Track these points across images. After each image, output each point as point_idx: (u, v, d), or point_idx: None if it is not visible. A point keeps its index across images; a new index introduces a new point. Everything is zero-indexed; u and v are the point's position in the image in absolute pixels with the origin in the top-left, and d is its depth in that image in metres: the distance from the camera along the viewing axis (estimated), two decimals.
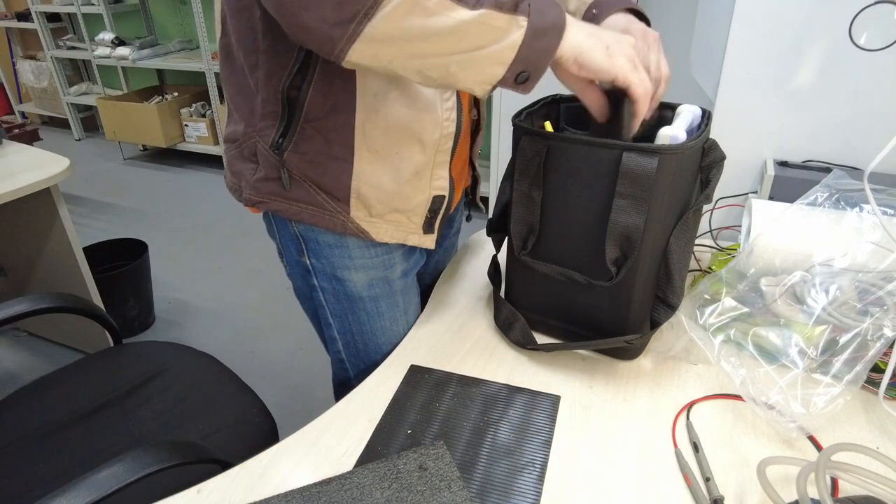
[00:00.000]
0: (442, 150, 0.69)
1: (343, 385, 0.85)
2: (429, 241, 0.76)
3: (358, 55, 0.51)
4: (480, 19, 0.49)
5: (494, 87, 0.55)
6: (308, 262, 0.74)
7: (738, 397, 0.65)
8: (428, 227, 0.75)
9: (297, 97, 0.62)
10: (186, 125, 3.39)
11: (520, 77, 0.54)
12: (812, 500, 0.48)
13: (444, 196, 0.73)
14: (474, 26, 0.49)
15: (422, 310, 0.83)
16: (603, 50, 0.55)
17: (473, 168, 0.87)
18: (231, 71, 0.67)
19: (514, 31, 0.51)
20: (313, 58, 0.60)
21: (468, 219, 0.95)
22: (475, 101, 0.80)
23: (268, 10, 0.52)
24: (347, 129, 0.64)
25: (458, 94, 0.68)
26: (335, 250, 0.72)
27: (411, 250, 0.79)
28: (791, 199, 0.78)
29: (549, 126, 0.71)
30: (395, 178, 0.68)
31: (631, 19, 0.67)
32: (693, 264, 0.87)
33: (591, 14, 0.69)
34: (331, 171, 0.67)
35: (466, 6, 0.49)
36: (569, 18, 0.54)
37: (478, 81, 0.54)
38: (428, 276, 0.94)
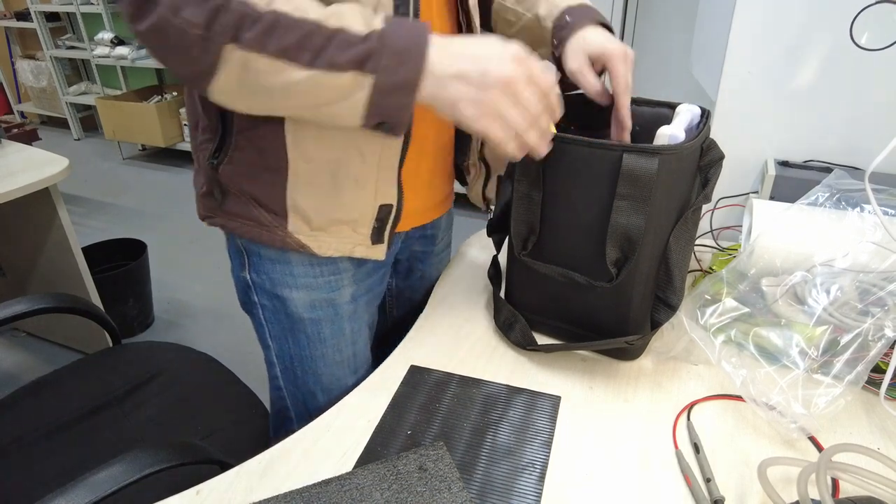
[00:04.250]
0: (387, 164, 0.65)
1: (281, 414, 0.81)
2: (377, 252, 0.70)
3: (221, 102, 0.54)
4: (315, 80, 0.49)
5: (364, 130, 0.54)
6: (249, 277, 0.71)
7: (738, 398, 0.64)
8: (376, 237, 0.69)
9: (230, 112, 0.61)
10: (186, 125, 3.39)
11: (382, 128, 0.53)
12: (813, 500, 0.47)
13: (391, 205, 0.68)
14: (310, 86, 0.49)
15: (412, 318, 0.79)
16: (469, 104, 0.51)
17: (487, 166, 0.84)
18: (188, 90, 0.68)
19: (356, 91, 0.50)
20: None
21: (487, 209, 0.90)
22: None
23: None
24: (277, 138, 0.61)
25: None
26: (276, 266, 0.69)
27: (364, 272, 0.74)
28: (792, 199, 0.78)
29: (551, 125, 0.71)
30: (334, 187, 0.64)
31: (608, 37, 0.66)
32: (694, 264, 0.87)
33: (564, 20, 0.69)
34: (265, 184, 0.64)
35: (300, 65, 0.48)
36: (431, 65, 0.50)
37: (345, 126, 0.54)
38: (417, 292, 0.91)
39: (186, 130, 3.40)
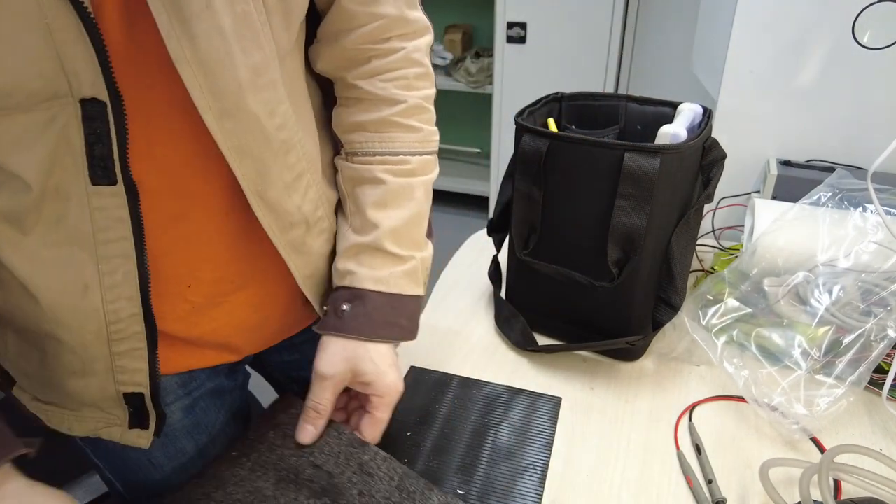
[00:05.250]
0: (120, 338, 0.46)
1: None
2: (140, 440, 0.52)
3: None
4: None
5: None
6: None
7: (740, 399, 0.64)
8: (137, 421, 0.51)
9: None
10: None
11: None
12: (815, 502, 0.47)
13: (141, 394, 0.49)
14: None
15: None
16: None
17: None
18: None
19: None
20: None
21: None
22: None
23: None
24: None
25: (143, 246, 0.44)
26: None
27: (196, 383, 0.58)
28: (794, 199, 0.77)
29: (552, 124, 0.71)
30: (50, 375, 0.48)
31: (386, 367, 0.53)
32: (695, 264, 0.87)
33: (340, 307, 0.53)
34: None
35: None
36: None
37: None
38: (301, 367, 0.67)
39: None
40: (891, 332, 0.59)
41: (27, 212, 0.40)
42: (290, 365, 0.70)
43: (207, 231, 0.49)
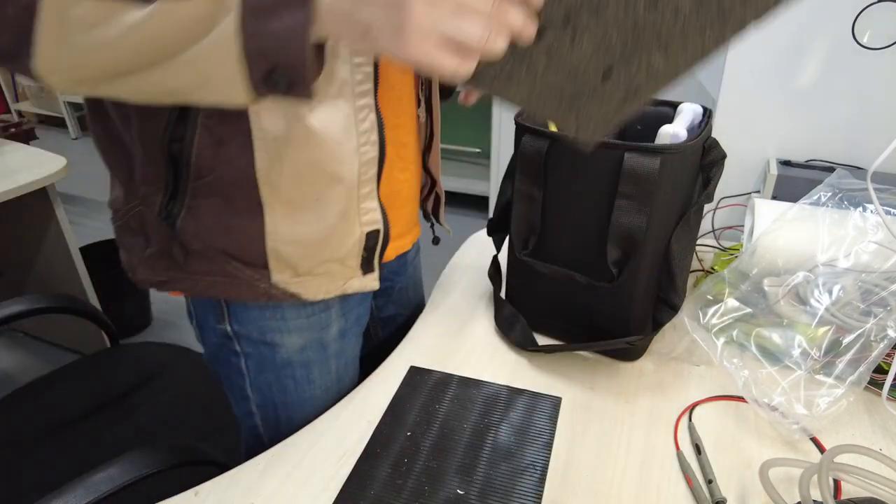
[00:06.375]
0: (365, 179, 0.57)
1: (255, 452, 0.71)
2: (371, 282, 0.64)
3: (57, 86, 0.42)
4: (160, 15, 0.37)
5: (260, 97, 0.41)
6: (229, 328, 0.62)
7: (740, 399, 0.64)
8: (367, 267, 0.63)
9: (181, 151, 0.51)
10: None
11: (274, 80, 0.39)
12: (815, 502, 0.47)
13: (378, 230, 0.61)
14: (155, 28, 0.37)
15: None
16: (386, 29, 0.37)
17: (433, 181, 0.76)
18: (103, 126, 0.55)
19: (219, 16, 0.37)
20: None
21: (435, 241, 0.83)
22: (423, 100, 0.68)
23: None
24: (248, 182, 0.52)
25: (377, 104, 0.55)
26: (265, 311, 0.61)
27: (351, 304, 0.68)
28: (794, 199, 0.77)
29: (552, 124, 0.71)
30: (320, 228, 0.56)
31: None
32: (695, 264, 0.87)
33: None
34: (238, 235, 0.55)
35: (136, 4, 0.37)
36: None
37: (222, 98, 0.42)
38: (402, 308, 0.86)
39: None
40: (891, 332, 0.59)
41: None
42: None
43: (405, 96, 0.64)
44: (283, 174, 0.53)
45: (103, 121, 0.55)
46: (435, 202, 0.79)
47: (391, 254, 0.72)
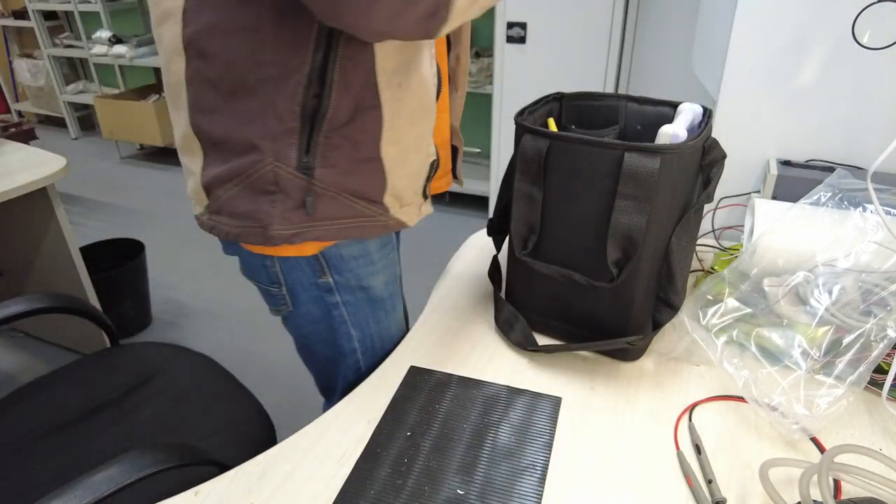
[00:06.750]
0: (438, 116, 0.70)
1: (353, 385, 0.84)
2: (430, 208, 0.75)
3: (454, 23, 0.52)
4: None
5: None
6: (331, 280, 0.70)
7: (740, 399, 0.64)
8: (425, 195, 0.73)
9: (319, 105, 0.57)
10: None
11: None
12: (815, 502, 0.47)
13: (435, 160, 0.71)
14: None
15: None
16: None
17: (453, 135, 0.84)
18: (210, 105, 0.59)
19: None
20: (330, 59, 0.55)
21: (446, 197, 0.96)
22: (448, 46, 0.78)
23: (329, 23, 0.51)
24: (375, 127, 0.60)
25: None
26: (359, 260, 0.70)
27: (395, 244, 0.79)
28: (794, 199, 0.77)
29: (552, 124, 0.71)
30: (417, 160, 0.68)
31: None
32: (695, 264, 0.87)
33: None
34: (364, 176, 0.63)
35: None
36: None
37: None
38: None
39: None
40: (890, 332, 0.59)
41: None
42: None
43: (440, 44, 0.72)
44: (402, 117, 0.62)
45: (212, 98, 0.58)
46: (454, 153, 0.86)
47: (432, 191, 0.80)
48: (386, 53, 0.58)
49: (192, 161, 0.64)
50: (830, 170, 0.83)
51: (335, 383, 0.83)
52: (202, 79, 0.58)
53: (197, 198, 0.65)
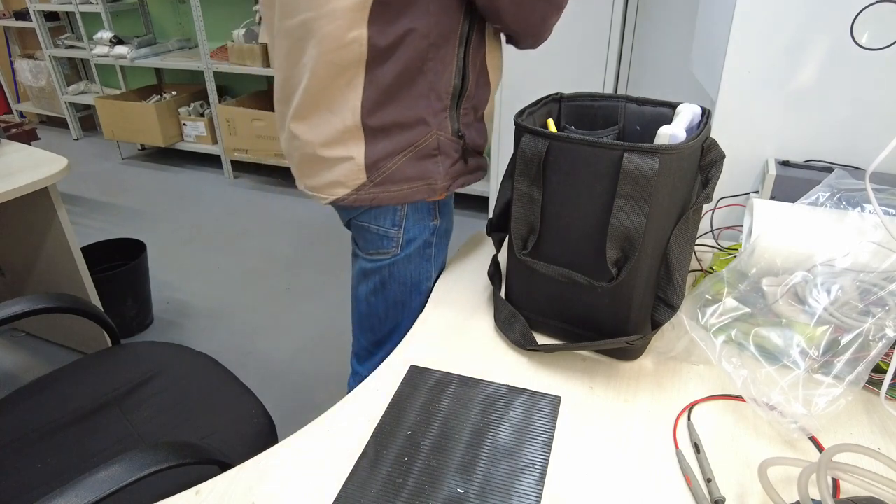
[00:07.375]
0: None
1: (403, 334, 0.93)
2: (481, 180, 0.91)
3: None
4: None
5: None
6: (437, 223, 0.84)
7: (739, 398, 0.64)
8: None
9: (462, 85, 0.75)
10: (185, 124, 3.38)
11: None
12: (813, 500, 0.47)
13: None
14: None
15: None
16: None
17: None
18: (391, 84, 0.72)
19: None
20: (468, 51, 0.73)
21: None
22: None
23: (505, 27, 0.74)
24: (485, 92, 0.79)
25: None
26: (449, 206, 0.86)
27: None
28: (793, 199, 0.78)
29: (551, 125, 0.71)
30: (489, 116, 0.85)
31: None
32: (694, 264, 0.87)
33: None
34: (481, 133, 0.82)
35: None
36: None
37: None
38: None
39: (185, 130, 3.39)
40: (889, 332, 0.59)
41: None
42: None
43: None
44: (495, 80, 0.81)
45: (393, 76, 0.71)
46: None
47: None
48: (492, 45, 0.78)
49: (350, 149, 0.75)
50: (829, 170, 0.84)
51: (393, 328, 0.91)
52: (382, 59, 0.71)
53: (350, 181, 0.77)
